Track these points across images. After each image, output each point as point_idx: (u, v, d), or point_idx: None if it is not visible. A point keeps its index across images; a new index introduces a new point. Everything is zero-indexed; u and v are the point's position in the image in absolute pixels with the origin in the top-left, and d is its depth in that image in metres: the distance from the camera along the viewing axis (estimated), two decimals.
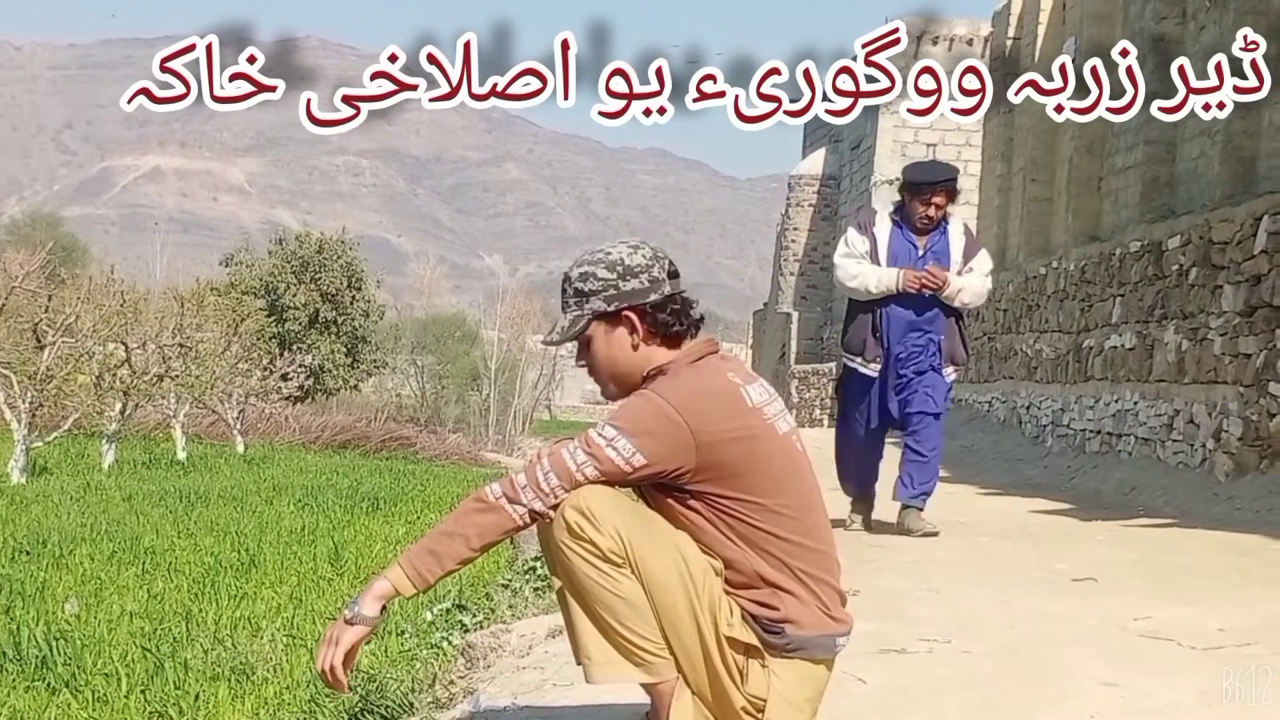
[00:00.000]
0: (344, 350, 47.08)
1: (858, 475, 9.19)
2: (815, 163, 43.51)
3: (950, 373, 8.95)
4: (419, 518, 13.23)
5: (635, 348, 3.81)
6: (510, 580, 8.15)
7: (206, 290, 26.63)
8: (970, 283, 8.89)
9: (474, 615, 7.08)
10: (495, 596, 7.63)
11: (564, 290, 3.87)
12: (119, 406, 19.27)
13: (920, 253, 8.82)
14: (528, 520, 3.66)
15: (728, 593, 3.69)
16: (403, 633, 7.21)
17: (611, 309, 3.80)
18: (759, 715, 3.68)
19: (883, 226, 8.91)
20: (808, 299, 42.69)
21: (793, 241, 43.42)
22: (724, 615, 3.66)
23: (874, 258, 8.81)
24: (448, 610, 7.34)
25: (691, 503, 3.70)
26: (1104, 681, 4.64)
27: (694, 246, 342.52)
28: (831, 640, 3.76)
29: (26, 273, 18.67)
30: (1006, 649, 5.15)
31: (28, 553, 10.24)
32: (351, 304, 47.62)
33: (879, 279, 8.73)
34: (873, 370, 8.85)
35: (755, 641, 3.68)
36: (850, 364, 9.01)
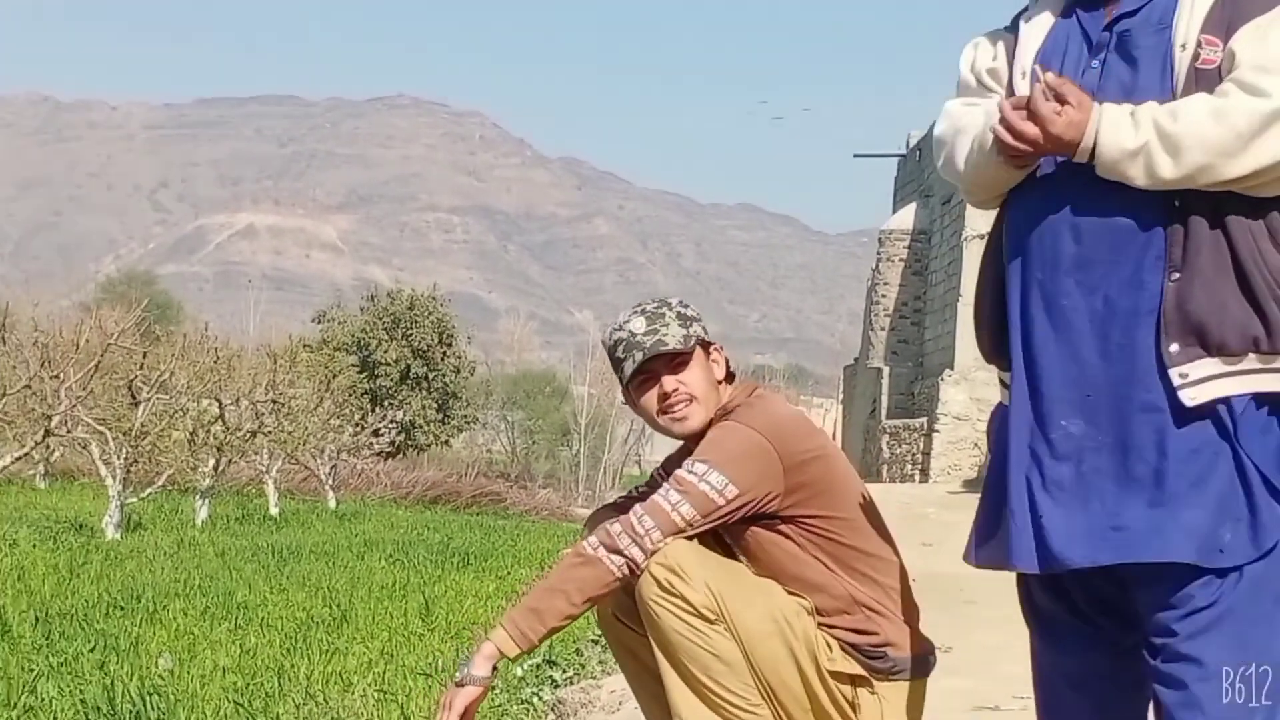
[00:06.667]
0: (435, 406, 47.26)
1: None
2: (906, 218, 43.40)
3: (1207, 374, 2.77)
4: (509, 573, 13.21)
5: (718, 383, 3.85)
6: (600, 636, 8.11)
7: (299, 347, 26.90)
8: (1197, 116, 2.73)
9: (564, 670, 7.06)
10: (585, 652, 7.60)
11: (662, 315, 3.82)
12: (212, 462, 19.40)
13: (1103, 41, 2.97)
14: (626, 572, 3.60)
15: (822, 626, 3.66)
16: (493, 688, 7.19)
17: (708, 339, 3.87)
18: None
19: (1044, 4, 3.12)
20: (898, 354, 42.52)
21: (883, 296, 43.29)
22: (823, 651, 3.64)
23: (1006, 79, 3.10)
24: (538, 665, 7.32)
25: (781, 527, 3.69)
26: None
27: (784, 301, 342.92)
28: (925, 659, 3.76)
29: (122, 330, 18.85)
30: None
31: (122, 608, 10.29)
32: (442, 360, 47.86)
33: (969, 138, 3.09)
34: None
35: (860, 670, 3.65)
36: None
